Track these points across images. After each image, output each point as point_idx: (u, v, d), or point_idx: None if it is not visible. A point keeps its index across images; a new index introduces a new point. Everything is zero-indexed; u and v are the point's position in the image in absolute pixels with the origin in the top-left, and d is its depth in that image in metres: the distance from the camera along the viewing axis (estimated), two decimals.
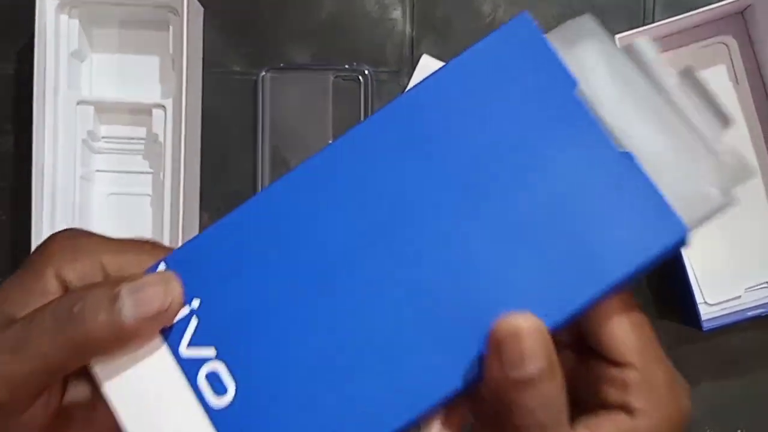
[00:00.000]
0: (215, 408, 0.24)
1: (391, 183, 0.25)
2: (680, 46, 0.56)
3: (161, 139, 0.54)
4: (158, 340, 0.24)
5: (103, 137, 0.56)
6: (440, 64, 0.54)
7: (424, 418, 0.24)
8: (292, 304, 0.24)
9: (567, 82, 0.25)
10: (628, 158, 0.24)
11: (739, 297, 0.56)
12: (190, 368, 0.24)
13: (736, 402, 0.57)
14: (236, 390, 0.24)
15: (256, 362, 0.24)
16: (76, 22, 0.54)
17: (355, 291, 0.24)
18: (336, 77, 0.57)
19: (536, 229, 0.24)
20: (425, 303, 0.24)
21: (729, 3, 0.52)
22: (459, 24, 0.57)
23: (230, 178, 0.57)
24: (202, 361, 0.24)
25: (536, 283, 0.23)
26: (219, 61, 0.57)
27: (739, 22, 0.56)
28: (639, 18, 0.57)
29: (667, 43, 0.56)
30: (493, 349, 0.22)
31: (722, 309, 0.56)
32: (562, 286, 0.23)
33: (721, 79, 0.56)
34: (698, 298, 0.54)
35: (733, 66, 0.56)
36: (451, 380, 0.23)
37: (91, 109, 0.55)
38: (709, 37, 0.56)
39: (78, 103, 0.55)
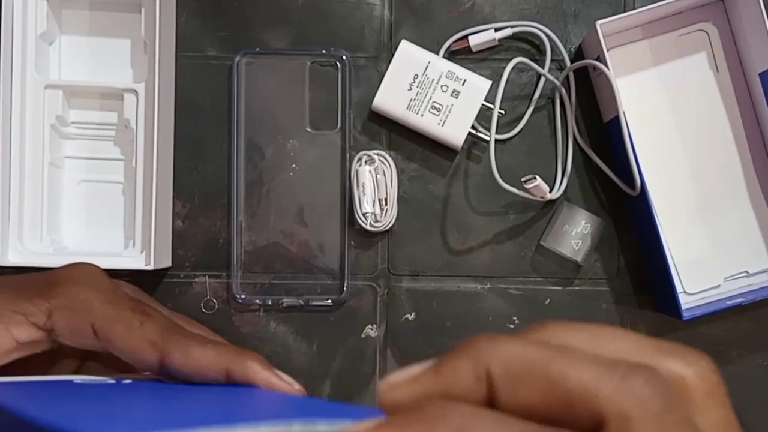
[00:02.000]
0: None
1: None
2: (661, 34, 0.56)
3: (133, 124, 0.53)
4: None
5: (72, 122, 0.55)
6: (420, 50, 0.54)
7: None
8: None
9: None
10: None
11: (719, 286, 0.56)
12: None
13: None
14: None
15: None
16: (44, 3, 0.53)
17: None
18: (313, 62, 0.56)
19: None
20: None
21: None
22: (438, 9, 0.56)
23: (205, 165, 0.56)
24: None
25: None
26: (193, 44, 0.56)
27: (719, 9, 0.55)
28: (620, 5, 0.56)
29: (647, 30, 0.55)
30: None
31: (702, 298, 0.55)
32: None
33: (701, 67, 0.56)
34: (678, 288, 0.54)
35: (713, 54, 0.56)
36: None
37: (59, 93, 0.53)
38: (690, 25, 0.55)
39: (46, 87, 0.53)
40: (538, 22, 0.55)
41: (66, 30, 0.55)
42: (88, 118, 0.55)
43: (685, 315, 0.52)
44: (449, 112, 0.54)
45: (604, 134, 0.56)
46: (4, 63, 0.51)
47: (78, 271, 0.38)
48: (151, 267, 0.51)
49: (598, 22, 0.51)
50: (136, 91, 0.53)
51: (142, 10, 0.52)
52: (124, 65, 0.55)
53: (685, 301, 0.55)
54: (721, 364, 0.56)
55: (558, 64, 0.56)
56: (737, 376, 0.57)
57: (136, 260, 0.52)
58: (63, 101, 0.54)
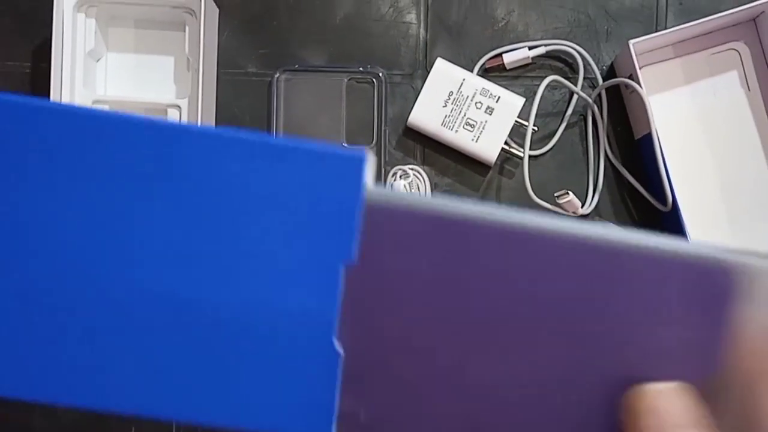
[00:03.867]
0: None
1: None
2: (692, 52, 0.56)
3: None
4: None
5: None
6: (454, 67, 0.55)
7: None
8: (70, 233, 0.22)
9: (346, 250, 0.22)
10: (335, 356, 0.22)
11: None
12: None
13: None
14: None
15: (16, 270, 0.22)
16: (92, 21, 0.55)
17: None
18: (350, 79, 0.57)
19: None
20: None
21: (741, 10, 0.53)
22: (473, 28, 0.58)
23: None
24: None
25: None
26: (234, 61, 0.58)
27: (751, 28, 0.56)
28: (652, 24, 0.57)
29: (679, 49, 0.56)
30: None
31: None
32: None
33: (732, 86, 0.56)
34: None
35: (744, 72, 0.56)
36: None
37: (106, 108, 0.55)
38: (721, 44, 0.56)
39: (93, 102, 0.55)
40: (570, 40, 0.57)
41: (112, 47, 0.57)
42: None
43: None
44: (483, 128, 0.55)
45: (636, 150, 0.57)
46: (54, 79, 0.53)
47: None
48: None
49: (631, 41, 0.52)
50: (179, 107, 0.55)
51: (187, 28, 0.54)
52: (167, 81, 0.57)
53: None
54: None
55: (590, 82, 0.57)
56: None
57: None
58: None
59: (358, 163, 0.22)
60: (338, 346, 0.22)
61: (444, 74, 0.55)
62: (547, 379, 0.22)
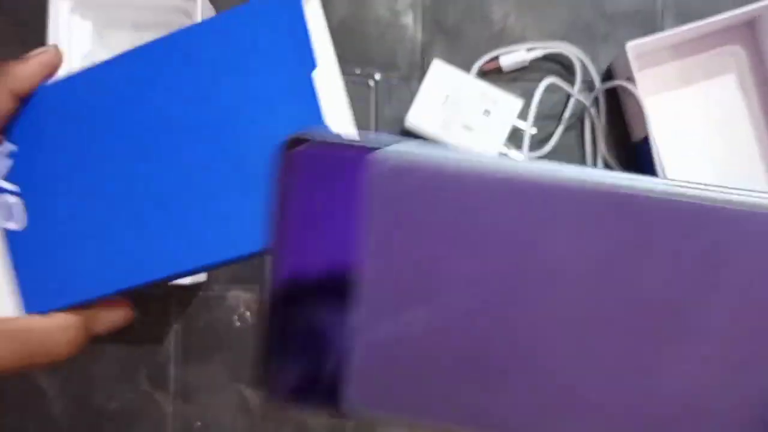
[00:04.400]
0: (8, 228, 0.32)
1: (157, 106, 0.31)
2: (689, 55, 0.56)
3: None
4: None
5: None
6: (452, 70, 0.55)
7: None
8: (83, 173, 0.31)
9: (308, 62, 0.29)
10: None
11: None
12: None
13: None
14: (29, 222, 0.32)
15: (47, 208, 0.32)
16: (88, 24, 0.55)
17: (128, 175, 0.31)
18: (346, 81, 0.57)
19: (244, 180, 0.30)
20: (175, 202, 0.30)
21: (738, 13, 0.53)
22: (469, 30, 0.58)
23: None
24: (6, 192, 0.32)
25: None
26: None
27: (747, 31, 0.56)
28: (649, 27, 0.58)
29: (676, 52, 0.56)
30: None
31: None
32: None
33: (729, 88, 0.56)
34: None
35: (741, 75, 0.56)
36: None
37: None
38: (718, 47, 0.56)
39: None
40: (568, 43, 0.57)
41: (109, 50, 0.57)
42: None
43: None
44: (481, 131, 0.55)
45: (633, 153, 0.57)
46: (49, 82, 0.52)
47: None
48: (188, 282, 0.52)
49: (629, 44, 0.52)
50: None
51: None
52: None
53: None
54: None
55: (588, 85, 0.57)
56: None
57: None
58: None
59: None
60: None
61: (441, 76, 0.55)
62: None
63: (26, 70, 0.33)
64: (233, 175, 0.30)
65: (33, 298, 0.32)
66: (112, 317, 0.33)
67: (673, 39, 0.55)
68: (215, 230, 0.30)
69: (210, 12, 0.56)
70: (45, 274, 0.32)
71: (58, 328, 0.32)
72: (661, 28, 0.57)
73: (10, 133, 0.32)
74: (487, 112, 0.55)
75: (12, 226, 0.32)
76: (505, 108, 0.55)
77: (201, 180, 0.30)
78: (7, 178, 0.32)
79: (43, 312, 0.32)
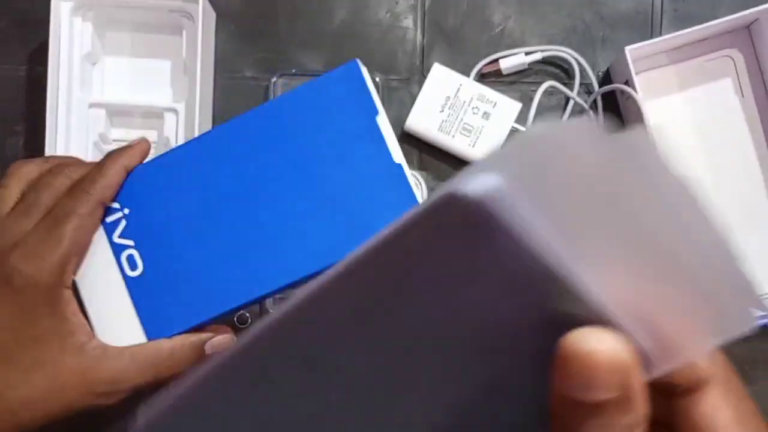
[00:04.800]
0: (129, 276, 0.41)
1: (244, 161, 0.41)
2: (687, 59, 0.57)
3: (173, 142, 0.54)
4: (102, 231, 0.41)
5: (114, 140, 0.57)
6: (451, 73, 0.55)
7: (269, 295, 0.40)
8: (184, 219, 0.41)
9: (372, 109, 0.40)
10: (399, 167, 0.40)
11: None
12: (117, 250, 0.41)
13: None
14: (144, 267, 0.41)
15: (158, 253, 0.41)
16: (89, 25, 0.55)
17: (223, 220, 0.41)
18: None
19: (323, 198, 0.40)
20: (267, 233, 0.40)
21: (735, 17, 0.53)
22: (469, 33, 0.58)
23: None
24: (125, 247, 0.41)
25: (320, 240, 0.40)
26: (231, 66, 0.58)
27: (745, 36, 0.57)
28: (647, 31, 0.58)
29: (674, 55, 0.57)
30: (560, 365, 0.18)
31: None
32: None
33: (726, 92, 0.57)
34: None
35: (738, 79, 0.57)
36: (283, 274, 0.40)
37: (102, 111, 0.55)
38: (716, 51, 0.57)
39: (90, 106, 0.55)
40: (566, 46, 0.57)
41: (109, 51, 0.57)
42: (130, 136, 0.57)
43: None
44: (480, 133, 0.55)
45: None
46: (51, 82, 0.52)
47: None
48: None
49: (627, 48, 0.52)
50: (176, 110, 0.55)
51: (184, 32, 0.54)
52: (164, 85, 0.57)
53: None
54: (746, 384, 0.57)
55: (586, 88, 0.58)
56: (762, 396, 0.57)
57: None
58: (105, 120, 0.55)
59: (354, 66, 0.41)
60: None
61: (441, 79, 0.56)
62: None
63: (134, 152, 0.42)
64: (314, 212, 0.40)
65: (153, 328, 0.41)
66: (220, 341, 0.42)
67: (671, 43, 0.55)
68: (297, 255, 0.39)
69: (211, 15, 0.56)
70: (161, 306, 0.41)
71: (180, 347, 0.41)
72: (660, 33, 0.58)
73: (121, 199, 0.41)
74: (486, 115, 0.55)
75: (133, 273, 0.41)
76: (504, 111, 0.55)
77: (289, 216, 0.40)
78: (121, 236, 0.41)
79: (164, 335, 0.41)
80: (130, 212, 0.41)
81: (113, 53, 0.57)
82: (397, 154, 0.40)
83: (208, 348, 0.41)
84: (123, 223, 0.41)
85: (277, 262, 0.40)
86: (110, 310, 0.41)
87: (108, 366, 0.39)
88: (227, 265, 0.40)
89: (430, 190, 0.57)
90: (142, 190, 0.41)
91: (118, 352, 0.39)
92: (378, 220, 0.38)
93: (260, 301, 0.41)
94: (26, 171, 0.42)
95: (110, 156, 0.42)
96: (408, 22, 0.58)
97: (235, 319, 0.57)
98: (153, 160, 0.42)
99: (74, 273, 0.40)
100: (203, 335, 0.41)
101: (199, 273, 0.40)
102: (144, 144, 0.43)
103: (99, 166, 0.41)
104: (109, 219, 0.41)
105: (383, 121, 0.40)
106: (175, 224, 0.41)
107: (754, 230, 0.57)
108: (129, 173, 0.42)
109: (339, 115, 0.40)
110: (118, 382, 0.39)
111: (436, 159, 0.58)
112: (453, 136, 0.56)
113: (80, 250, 0.40)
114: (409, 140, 0.57)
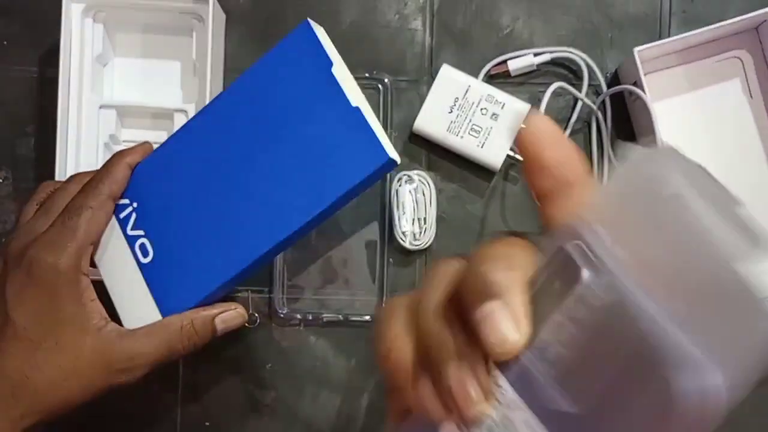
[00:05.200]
0: (142, 262, 0.45)
1: (227, 138, 0.45)
2: (696, 60, 0.57)
3: None
4: (117, 226, 0.46)
5: (124, 141, 0.57)
6: (460, 74, 0.55)
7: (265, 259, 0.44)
8: (184, 201, 0.45)
9: (326, 62, 0.43)
10: (357, 110, 0.42)
11: None
12: (131, 241, 0.45)
13: (750, 415, 0.58)
14: (154, 253, 0.45)
15: (164, 237, 0.45)
16: (100, 26, 0.55)
17: (216, 197, 0.44)
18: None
19: (298, 155, 0.43)
20: (252, 201, 0.44)
21: (744, 19, 0.53)
22: (478, 35, 0.58)
23: None
24: (137, 238, 0.45)
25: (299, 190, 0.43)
26: (240, 67, 0.58)
27: (753, 37, 0.57)
28: (656, 33, 0.58)
29: (683, 57, 0.57)
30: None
31: None
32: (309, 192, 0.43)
33: (735, 93, 0.57)
34: None
35: (747, 80, 0.57)
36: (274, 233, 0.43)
37: (113, 112, 0.56)
38: (724, 52, 0.57)
39: (100, 107, 0.55)
40: (575, 47, 0.57)
41: (120, 52, 0.57)
42: (140, 137, 0.57)
43: None
44: (488, 134, 0.55)
45: None
46: (62, 84, 0.53)
47: None
48: None
49: (636, 49, 0.52)
50: (185, 111, 0.55)
51: (194, 34, 0.55)
52: (174, 86, 0.57)
53: None
54: (757, 386, 0.57)
55: (594, 89, 0.58)
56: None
57: None
58: (116, 120, 0.56)
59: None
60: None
61: (449, 80, 0.56)
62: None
63: (136, 150, 0.46)
64: (293, 169, 0.43)
65: (167, 307, 0.45)
66: (229, 315, 0.45)
67: (680, 44, 0.55)
68: (284, 212, 0.43)
69: (221, 16, 0.56)
70: (172, 286, 0.45)
71: (190, 323, 0.44)
72: (668, 34, 0.58)
73: (129, 195, 0.45)
74: (494, 116, 0.55)
75: (145, 260, 0.45)
76: (512, 112, 0.55)
77: (272, 179, 0.43)
78: (134, 228, 0.45)
79: (177, 313, 0.44)
80: (138, 205, 0.45)
81: (124, 54, 0.58)
82: (355, 98, 0.42)
83: (218, 322, 0.45)
84: (134, 216, 0.45)
85: (268, 223, 0.43)
86: (130, 296, 0.45)
87: (124, 345, 0.42)
88: (225, 236, 0.44)
89: (438, 191, 0.57)
90: (144, 183, 0.45)
91: (132, 333, 0.43)
92: (347, 164, 0.42)
93: (262, 263, 0.44)
94: (51, 186, 0.46)
95: (115, 155, 0.45)
96: (417, 23, 0.58)
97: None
98: (151, 156, 0.46)
99: (90, 262, 0.43)
100: (213, 310, 0.45)
101: (202, 249, 0.44)
102: (146, 145, 0.47)
103: (105, 165, 0.45)
104: (122, 214, 0.46)
105: (339, 71, 0.43)
106: (175, 208, 0.45)
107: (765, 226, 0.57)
108: (133, 170, 0.45)
109: (298, 74, 0.43)
110: (134, 360, 0.42)
111: (444, 159, 0.58)
112: (461, 137, 0.56)
113: (94, 240, 0.43)
114: (417, 141, 0.58)
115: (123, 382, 0.43)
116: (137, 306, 0.45)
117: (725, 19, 0.53)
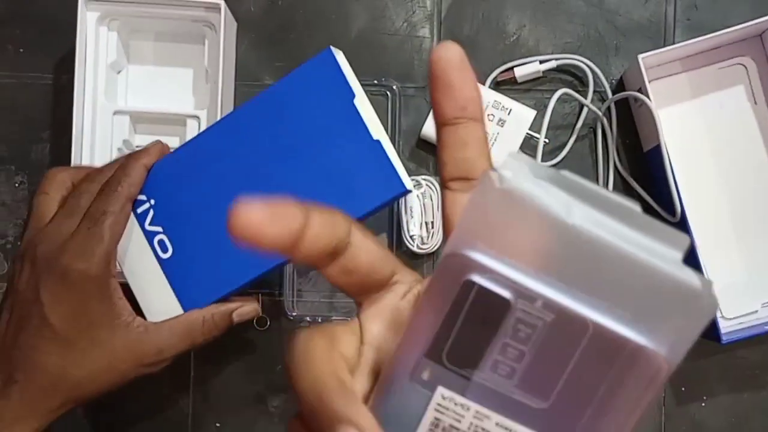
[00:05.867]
0: (162, 258, 0.48)
1: (245, 150, 0.47)
2: (700, 67, 0.58)
3: None
4: (135, 222, 0.48)
5: (137, 146, 0.58)
6: None
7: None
8: (202, 204, 0.47)
9: (349, 93, 0.46)
10: (378, 144, 0.45)
11: (756, 312, 0.57)
12: (149, 237, 0.48)
13: (754, 414, 0.58)
14: (173, 249, 0.48)
15: (183, 235, 0.47)
16: (114, 34, 0.56)
17: (230, 201, 0.44)
18: (364, 92, 0.58)
19: (314, 178, 0.45)
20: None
21: (747, 26, 0.54)
22: (485, 42, 0.59)
23: None
24: (155, 233, 0.48)
25: None
26: (252, 74, 0.59)
27: (757, 44, 0.57)
28: (660, 39, 0.59)
29: (687, 63, 0.58)
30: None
31: (740, 323, 0.57)
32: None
33: (739, 99, 0.58)
34: (716, 313, 0.55)
35: (751, 86, 0.58)
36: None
37: (126, 118, 0.57)
38: (728, 59, 0.58)
39: (114, 113, 0.56)
40: (580, 54, 0.58)
41: (133, 60, 0.59)
42: None
43: (724, 339, 0.53)
44: (495, 140, 0.56)
45: (644, 162, 0.58)
46: (77, 90, 0.54)
47: None
48: None
49: (641, 56, 0.53)
50: (198, 117, 0.56)
51: (206, 41, 0.56)
52: (186, 93, 0.58)
53: (723, 326, 0.56)
54: (760, 388, 0.58)
55: (600, 95, 0.59)
56: None
57: None
58: (129, 126, 0.57)
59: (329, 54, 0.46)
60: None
61: None
62: None
63: (152, 151, 0.48)
64: (309, 189, 0.46)
65: (188, 301, 0.47)
66: (245, 310, 0.49)
67: (684, 51, 0.56)
68: None
69: (232, 24, 0.57)
70: (192, 282, 0.47)
71: (211, 317, 0.47)
72: (672, 41, 0.59)
73: (146, 192, 0.47)
74: (501, 122, 0.56)
75: (165, 256, 0.48)
76: (518, 118, 0.56)
77: (291, 191, 0.45)
78: (151, 224, 0.48)
79: (198, 307, 0.47)
80: (155, 202, 0.48)
81: (137, 62, 0.59)
82: (376, 131, 0.45)
83: (235, 316, 0.48)
84: (151, 212, 0.48)
85: None
86: (152, 291, 0.48)
87: (151, 340, 0.46)
88: None
89: None
90: (163, 181, 0.48)
91: (157, 327, 0.46)
92: (364, 192, 0.45)
93: (275, 271, 0.49)
94: (61, 178, 0.47)
95: (131, 157, 0.48)
96: (424, 31, 0.59)
97: (254, 321, 0.59)
98: (168, 156, 0.48)
99: (115, 263, 0.47)
100: (231, 305, 0.48)
101: (222, 250, 0.46)
102: (159, 145, 0.49)
103: (123, 168, 0.47)
104: (139, 210, 0.48)
105: (361, 103, 0.45)
106: (195, 208, 0.47)
107: (766, 235, 0.57)
108: (149, 170, 0.48)
109: (319, 101, 0.46)
110: (162, 353, 0.46)
111: None
112: None
113: (117, 242, 0.46)
114: (425, 147, 0.59)
115: (151, 372, 0.47)
116: (159, 300, 0.48)
117: (729, 26, 0.54)
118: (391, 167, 0.45)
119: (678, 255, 0.20)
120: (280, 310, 0.58)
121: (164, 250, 0.48)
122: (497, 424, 0.21)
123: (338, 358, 0.22)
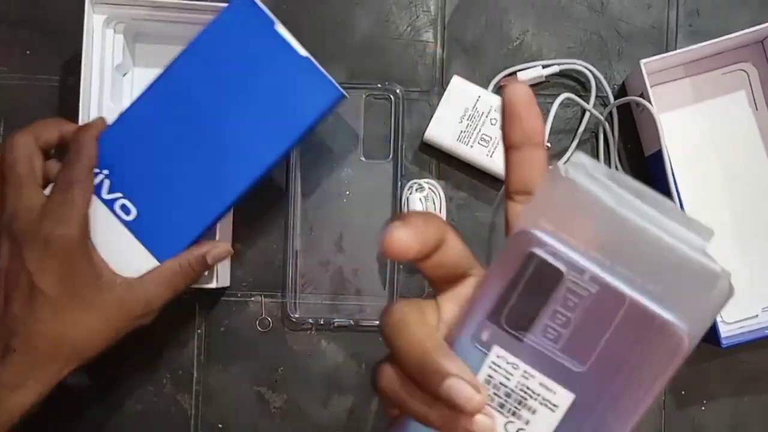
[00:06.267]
0: (127, 220, 0.50)
1: (186, 102, 0.50)
2: (702, 72, 0.58)
3: None
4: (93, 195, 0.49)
5: None
6: (470, 85, 0.57)
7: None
8: (156, 161, 0.50)
9: (269, 22, 0.49)
10: (307, 59, 0.49)
11: (756, 316, 0.57)
12: (109, 204, 0.50)
13: (754, 418, 0.58)
14: (137, 209, 0.50)
15: (143, 194, 0.50)
16: (120, 37, 0.56)
17: (187, 152, 0.50)
18: (368, 95, 0.59)
19: (256, 109, 0.49)
20: (223, 148, 0.50)
21: (749, 32, 0.54)
22: (488, 47, 0.59)
23: (263, 189, 0.59)
24: (115, 200, 0.50)
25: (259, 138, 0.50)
26: None
27: (758, 50, 0.58)
28: (662, 45, 0.59)
29: (689, 69, 0.58)
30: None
31: (740, 327, 0.57)
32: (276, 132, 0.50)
33: (740, 105, 0.58)
34: (717, 317, 0.55)
35: (752, 92, 0.58)
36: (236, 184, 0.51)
37: None
38: (730, 64, 0.58)
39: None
40: (583, 60, 0.58)
41: (139, 63, 0.59)
42: None
43: (724, 342, 0.53)
44: (497, 144, 0.57)
45: (646, 167, 0.59)
46: (83, 92, 0.54)
47: None
48: (214, 285, 0.54)
49: (643, 61, 0.54)
50: None
51: None
52: None
53: (724, 330, 0.57)
54: (760, 392, 0.58)
55: (602, 100, 0.59)
56: None
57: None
58: None
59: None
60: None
61: (460, 91, 0.57)
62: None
63: (97, 123, 0.50)
64: (257, 118, 0.49)
65: (162, 253, 0.50)
66: (218, 251, 0.51)
67: (686, 56, 0.56)
68: (252, 156, 0.50)
69: None
70: (162, 235, 0.50)
71: (186, 262, 0.50)
72: (674, 46, 0.59)
73: (102, 161, 0.49)
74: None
75: (129, 218, 0.50)
76: None
77: (238, 128, 0.49)
78: (109, 192, 0.50)
79: (171, 257, 0.50)
80: (110, 172, 0.50)
81: (143, 65, 0.59)
82: (301, 50, 0.49)
83: (209, 259, 0.51)
84: (107, 182, 0.50)
85: (238, 168, 0.50)
86: (125, 254, 0.50)
87: (137, 294, 0.49)
88: (203, 184, 0.50)
89: (448, 199, 0.59)
90: (112, 150, 0.50)
91: (140, 281, 0.49)
92: (304, 106, 0.49)
93: (237, 204, 0.51)
94: (23, 142, 0.48)
95: (80, 131, 0.49)
96: (428, 35, 0.60)
97: (257, 322, 0.59)
98: (111, 126, 0.50)
99: (89, 228, 0.49)
100: (203, 248, 0.51)
101: (183, 198, 0.50)
102: (102, 119, 0.51)
103: (77, 141, 0.49)
104: (95, 182, 0.50)
105: (282, 28, 0.50)
106: (148, 167, 0.50)
107: (766, 240, 0.58)
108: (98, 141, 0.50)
109: (243, 37, 0.49)
110: (150, 304, 0.49)
111: (454, 168, 0.59)
112: (471, 147, 0.57)
113: (89, 207, 0.48)
114: (427, 150, 0.59)
115: (143, 324, 0.49)
116: (134, 260, 0.50)
117: (731, 32, 0.54)
118: (323, 77, 0.49)
119: (704, 244, 0.24)
120: (282, 312, 0.59)
121: (127, 212, 0.50)
122: (540, 384, 0.25)
123: (430, 324, 0.27)
